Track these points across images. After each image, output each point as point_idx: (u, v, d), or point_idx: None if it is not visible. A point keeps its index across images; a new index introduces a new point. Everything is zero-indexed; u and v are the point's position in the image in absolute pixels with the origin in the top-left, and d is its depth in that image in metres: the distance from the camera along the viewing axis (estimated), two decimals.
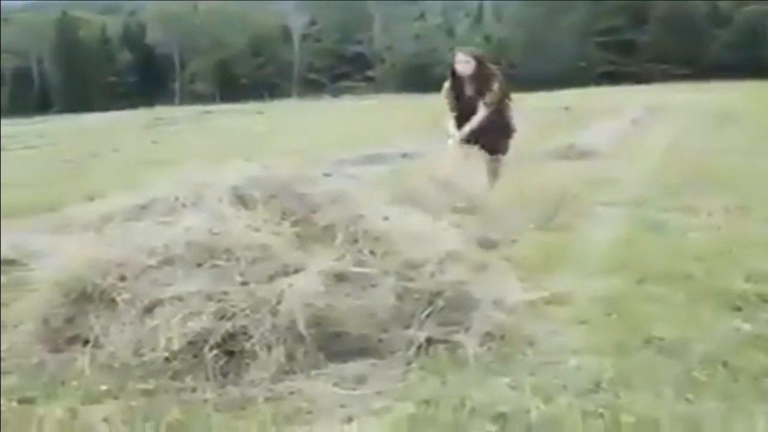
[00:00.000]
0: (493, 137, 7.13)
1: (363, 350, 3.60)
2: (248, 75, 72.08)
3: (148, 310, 3.59)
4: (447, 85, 7.28)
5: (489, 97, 6.99)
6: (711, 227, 6.24)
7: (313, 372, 3.45)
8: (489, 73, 7.10)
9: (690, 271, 4.75)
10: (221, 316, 3.51)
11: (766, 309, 4.11)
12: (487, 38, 66.55)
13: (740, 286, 4.44)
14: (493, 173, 7.27)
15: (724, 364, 3.36)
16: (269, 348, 3.44)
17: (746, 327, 3.85)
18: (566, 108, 23.94)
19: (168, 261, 3.77)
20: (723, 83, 40.44)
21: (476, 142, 7.04)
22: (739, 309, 4.13)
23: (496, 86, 7.05)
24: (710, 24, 60.20)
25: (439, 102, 7.32)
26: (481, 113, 6.98)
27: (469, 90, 7.09)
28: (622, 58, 59.56)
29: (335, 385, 3.35)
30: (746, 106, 21.37)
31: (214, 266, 3.72)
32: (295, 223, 4.02)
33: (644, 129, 16.40)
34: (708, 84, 40.10)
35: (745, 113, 19.29)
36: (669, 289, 4.46)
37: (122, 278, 3.74)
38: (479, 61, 7.08)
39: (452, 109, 7.21)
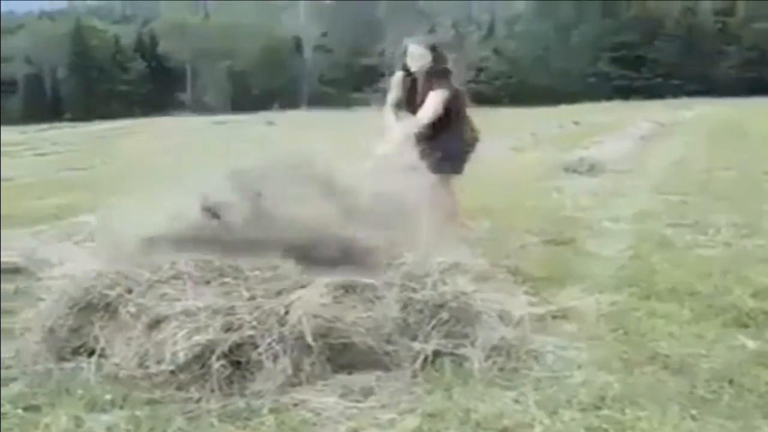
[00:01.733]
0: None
1: (369, 362, 3.60)
2: (259, 86, 72.31)
3: (155, 323, 3.60)
4: (399, 74, 6.01)
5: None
6: (718, 244, 6.23)
7: (320, 383, 3.45)
8: (445, 68, 5.79)
9: (696, 288, 4.74)
10: (228, 329, 3.52)
11: None
12: (498, 52, 66.71)
13: (747, 303, 4.42)
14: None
15: (730, 381, 3.35)
16: (276, 358, 3.44)
17: (752, 344, 3.84)
18: (576, 122, 23.95)
19: (175, 276, 3.78)
20: (732, 100, 40.42)
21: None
22: (745, 326, 4.12)
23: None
24: (720, 41, 60.20)
25: None
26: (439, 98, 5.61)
27: (423, 89, 5.77)
28: (632, 73, 59.58)
29: (341, 396, 3.35)
30: (755, 123, 21.33)
31: (222, 283, 3.73)
32: None
33: (653, 144, 16.39)
34: (717, 100, 40.06)
35: (754, 130, 19.27)
36: (675, 306, 4.45)
37: (129, 291, 3.75)
38: (436, 52, 5.81)
39: (400, 106, 5.96)
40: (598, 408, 3.14)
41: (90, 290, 3.80)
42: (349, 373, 3.54)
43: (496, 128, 19.19)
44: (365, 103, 58.13)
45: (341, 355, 3.59)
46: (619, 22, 61.51)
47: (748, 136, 17.74)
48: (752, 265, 5.36)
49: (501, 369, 3.54)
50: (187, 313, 3.59)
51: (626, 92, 51.25)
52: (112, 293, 3.75)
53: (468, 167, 5.95)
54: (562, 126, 22.36)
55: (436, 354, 3.61)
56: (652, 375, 3.49)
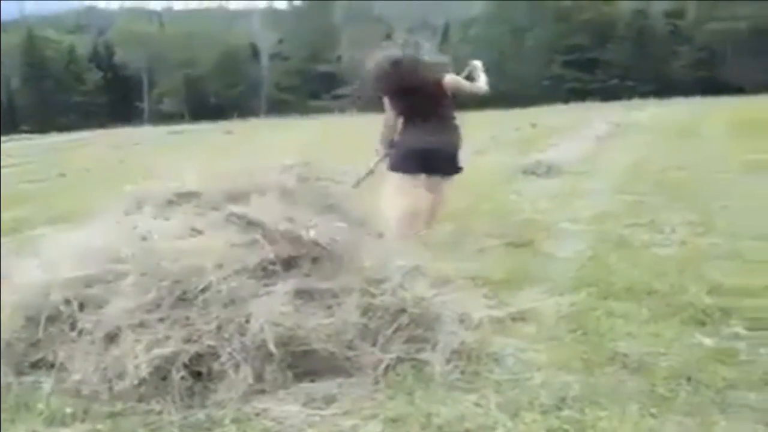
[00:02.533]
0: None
1: (331, 369, 3.60)
2: (217, 94, 71.87)
3: (113, 336, 3.56)
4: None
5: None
6: (674, 242, 6.31)
7: (282, 392, 3.45)
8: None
9: (654, 287, 4.79)
10: (188, 339, 3.49)
11: (729, 323, 4.16)
12: (454, 57, 66.93)
13: (703, 300, 4.49)
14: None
15: (688, 378, 3.40)
16: (237, 368, 3.43)
17: (709, 341, 3.90)
18: (533, 125, 24.10)
19: (131, 286, 3.74)
20: (685, 99, 40.98)
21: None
22: (702, 324, 4.18)
23: None
24: (671, 42, 61.05)
25: None
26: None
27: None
28: (587, 75, 60.17)
29: (304, 404, 3.35)
30: (707, 122, 21.64)
31: (180, 290, 3.69)
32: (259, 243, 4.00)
33: (610, 145, 16.53)
34: (671, 100, 40.57)
35: (707, 129, 19.55)
36: (633, 305, 4.50)
37: (81, 306, 3.71)
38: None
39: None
40: (559, 409, 3.17)
41: (46, 303, 3.75)
42: (312, 381, 3.54)
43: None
44: (323, 110, 58.19)
45: (303, 363, 3.58)
46: (572, 26, 62.06)
47: (701, 135, 17.98)
48: (708, 262, 5.44)
49: (462, 372, 3.56)
50: (144, 324, 3.56)
51: (581, 94, 51.63)
52: (68, 307, 3.71)
53: None
54: (519, 129, 22.46)
55: (398, 359, 3.62)
56: (612, 375, 3.52)
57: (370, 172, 6.18)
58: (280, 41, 76.94)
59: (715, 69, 56.81)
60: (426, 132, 5.86)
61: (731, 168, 10.89)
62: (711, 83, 51.92)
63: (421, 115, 5.89)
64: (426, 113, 5.88)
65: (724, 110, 25.95)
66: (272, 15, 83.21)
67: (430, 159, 5.86)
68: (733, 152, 13.12)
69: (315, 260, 3.92)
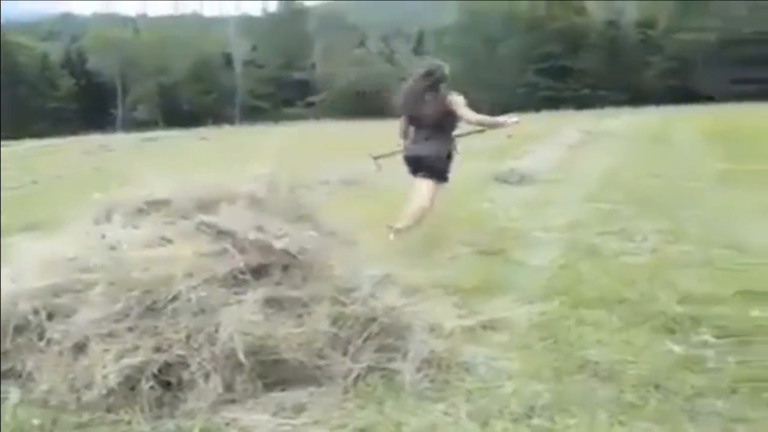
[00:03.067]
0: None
1: (301, 378, 3.58)
2: (191, 101, 71.61)
3: (81, 347, 3.52)
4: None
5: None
6: (645, 251, 6.35)
7: (251, 401, 3.42)
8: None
9: (624, 295, 4.83)
10: (157, 349, 3.46)
11: (698, 331, 4.19)
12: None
13: (673, 308, 4.53)
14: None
15: (657, 386, 3.42)
16: (207, 377, 3.41)
17: (678, 349, 3.92)
18: (507, 135, 24.17)
19: (100, 296, 3.70)
20: (656, 108, 41.38)
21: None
22: (672, 332, 4.21)
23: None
24: (643, 51, 61.63)
25: (383, 128, 7.30)
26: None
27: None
28: (559, 84, 60.55)
29: (273, 414, 3.33)
30: (679, 131, 21.85)
31: (149, 300, 3.66)
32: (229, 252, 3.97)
33: (582, 154, 16.65)
34: (642, 109, 40.93)
35: (678, 137, 19.74)
36: (604, 313, 4.52)
37: (50, 315, 3.67)
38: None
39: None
40: (529, 417, 3.18)
41: (14, 313, 3.70)
42: (282, 390, 3.52)
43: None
44: (297, 117, 58.10)
45: (273, 372, 3.56)
46: (545, 35, 62.44)
47: (672, 143, 18.15)
48: (678, 271, 5.48)
49: (432, 381, 3.56)
50: (113, 334, 3.53)
51: (554, 103, 51.98)
52: (36, 316, 3.66)
53: (404, 177, 6.33)
54: (492, 137, 22.55)
55: (368, 368, 3.61)
56: (582, 383, 3.53)
57: (392, 154, 7.25)
58: (254, 48, 76.84)
59: (685, 78, 57.39)
60: (417, 138, 6.72)
61: (702, 177, 10.99)
62: (682, 92, 52.52)
63: (423, 125, 6.67)
64: (428, 125, 6.64)
65: (694, 119, 26.23)
66: (246, 22, 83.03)
67: (419, 164, 6.67)
68: (704, 161, 13.25)
69: (285, 269, 3.90)
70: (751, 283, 4.99)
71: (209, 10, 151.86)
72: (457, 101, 6.50)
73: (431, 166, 6.64)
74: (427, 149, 6.63)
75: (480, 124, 6.80)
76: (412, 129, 6.80)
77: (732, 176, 10.64)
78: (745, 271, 5.40)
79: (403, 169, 6.84)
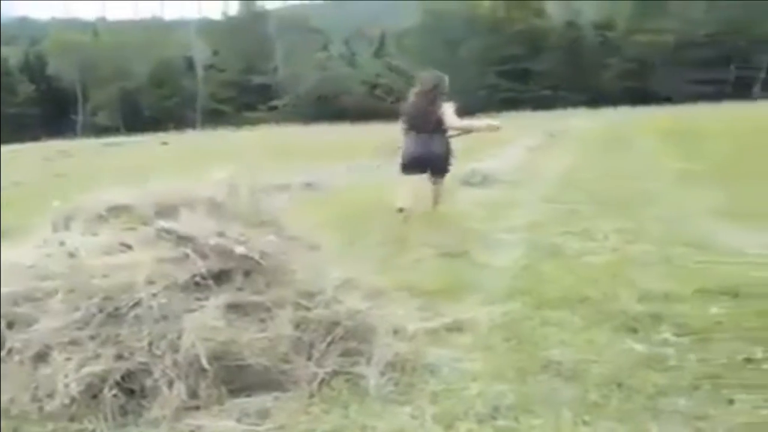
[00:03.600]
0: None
1: (265, 383, 3.56)
2: (152, 106, 71.05)
3: (42, 355, 3.48)
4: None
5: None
6: (606, 250, 6.41)
7: (216, 407, 3.40)
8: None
9: (586, 295, 4.86)
10: (119, 357, 3.43)
11: (659, 329, 4.23)
12: (390, 68, 67.30)
13: (634, 307, 4.57)
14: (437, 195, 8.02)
15: (619, 385, 3.44)
16: (170, 384, 3.37)
17: (640, 348, 3.96)
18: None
19: (60, 304, 3.66)
20: (615, 109, 41.85)
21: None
22: (633, 330, 4.24)
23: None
24: (602, 53, 62.31)
25: (345, 131, 7.34)
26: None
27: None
28: (520, 85, 60.98)
29: (238, 420, 3.31)
30: (638, 131, 22.10)
31: (110, 307, 3.62)
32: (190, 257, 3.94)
33: (543, 155, 16.77)
34: (602, 110, 41.36)
35: (637, 138, 19.96)
36: (566, 313, 4.55)
37: (10, 324, 3.62)
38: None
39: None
40: (494, 418, 3.19)
41: None
42: (246, 396, 3.50)
43: (396, 142, 19.32)
44: (259, 121, 57.91)
45: (237, 378, 3.54)
46: (505, 37, 62.88)
47: (631, 144, 18.35)
48: (638, 270, 5.53)
49: (397, 384, 3.55)
50: (74, 342, 3.49)
51: (515, 104, 52.33)
52: None
53: (365, 182, 6.36)
54: (454, 138, 22.61)
55: (333, 373, 3.60)
56: (546, 383, 3.55)
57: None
58: (215, 53, 76.42)
59: (643, 79, 58.14)
60: (419, 142, 7.68)
61: (661, 176, 11.13)
62: (640, 93, 53.19)
63: (425, 129, 7.64)
64: (428, 129, 7.63)
65: (653, 120, 26.56)
66: (207, 26, 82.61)
67: (425, 162, 7.76)
68: (663, 161, 13.41)
69: (247, 274, 3.88)
70: (710, 280, 5.05)
71: (170, 14, 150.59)
72: (446, 108, 7.53)
73: (435, 164, 7.76)
74: (431, 149, 7.66)
75: (462, 129, 7.90)
76: (413, 132, 7.73)
77: (689, 175, 10.78)
78: (703, 269, 5.46)
79: (371, 171, 7.02)
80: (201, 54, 75.39)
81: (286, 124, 51.65)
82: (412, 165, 7.76)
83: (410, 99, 7.84)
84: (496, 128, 7.95)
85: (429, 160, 7.72)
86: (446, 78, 7.88)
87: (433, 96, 7.62)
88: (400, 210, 7.64)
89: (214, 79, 74.01)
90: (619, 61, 60.78)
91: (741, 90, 53.42)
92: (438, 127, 7.59)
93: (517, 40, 62.56)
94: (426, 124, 7.57)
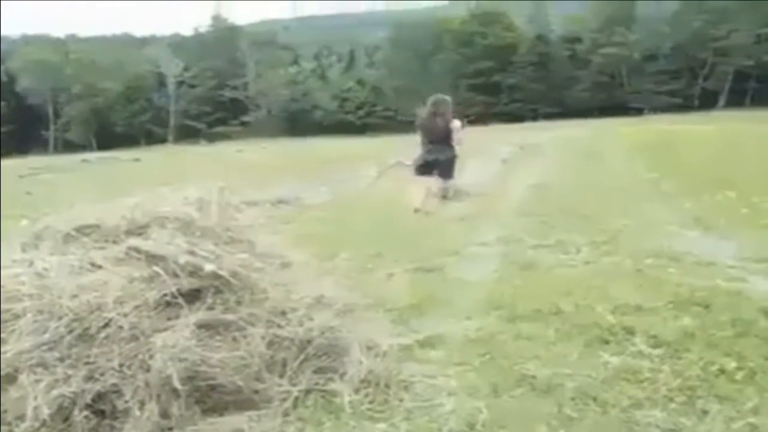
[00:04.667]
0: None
1: (239, 402, 3.52)
2: (124, 122, 70.76)
3: (11, 378, 3.41)
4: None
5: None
6: (579, 262, 6.41)
7: (189, 428, 3.35)
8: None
9: (560, 308, 4.85)
10: (89, 378, 3.37)
11: (632, 341, 4.23)
12: (360, 83, 67.52)
13: (607, 320, 4.57)
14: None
15: (594, 398, 3.44)
16: (142, 405, 3.32)
17: (614, 360, 3.96)
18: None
19: (29, 325, 3.59)
20: (585, 121, 42.19)
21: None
22: (606, 342, 4.24)
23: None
24: (571, 66, 62.91)
25: (312, 146, 7.30)
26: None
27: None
28: (491, 99, 61.39)
29: None
30: (607, 142, 22.27)
31: (80, 328, 3.56)
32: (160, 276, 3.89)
33: (515, 167, 16.85)
34: (572, 122, 41.67)
35: (607, 149, 20.11)
36: (540, 327, 4.54)
37: None
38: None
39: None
40: None
41: None
42: (220, 415, 3.46)
43: (368, 157, 19.35)
44: (232, 136, 57.60)
45: (210, 397, 3.50)
46: (476, 51, 63.32)
47: (602, 155, 18.47)
48: (611, 282, 5.54)
49: (371, 401, 3.53)
50: (44, 364, 3.43)
51: (487, 117, 52.65)
52: None
53: (338, 197, 6.36)
54: None
55: (306, 390, 3.57)
56: (521, 397, 3.54)
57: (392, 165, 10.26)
58: (186, 69, 76.22)
59: (612, 91, 58.74)
60: (435, 150, 9.74)
61: (631, 187, 11.19)
62: (609, 104, 53.68)
63: (435, 139, 9.73)
64: (438, 139, 9.70)
65: (622, 132, 26.73)
66: (179, 42, 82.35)
67: (434, 166, 9.80)
68: (633, 172, 13.50)
69: (218, 292, 3.84)
70: (681, 292, 5.07)
71: (141, 30, 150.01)
72: (456, 125, 9.71)
73: (443, 168, 9.77)
74: (440, 155, 9.70)
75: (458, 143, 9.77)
76: (427, 141, 9.78)
77: (660, 186, 10.86)
78: (675, 280, 5.48)
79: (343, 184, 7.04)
80: (172, 70, 75.13)
81: (258, 139, 51.55)
82: (424, 168, 9.77)
83: (424, 116, 9.80)
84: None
85: (438, 164, 9.70)
86: (449, 98, 9.94)
87: (436, 111, 9.65)
88: (416, 210, 9.45)
89: (186, 95, 73.85)
90: (588, 74, 61.39)
91: (707, 101, 54.18)
92: (447, 137, 9.62)
93: (487, 55, 63.06)
94: (436, 133, 9.63)
